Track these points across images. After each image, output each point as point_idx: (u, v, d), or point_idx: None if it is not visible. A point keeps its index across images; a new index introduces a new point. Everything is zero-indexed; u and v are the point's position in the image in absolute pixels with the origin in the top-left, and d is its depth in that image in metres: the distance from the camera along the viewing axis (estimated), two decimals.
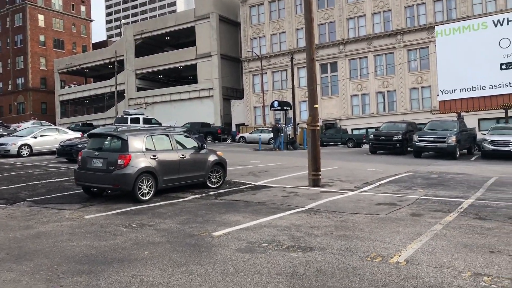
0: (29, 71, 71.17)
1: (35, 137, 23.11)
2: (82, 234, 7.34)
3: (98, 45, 78.86)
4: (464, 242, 6.61)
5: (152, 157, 10.51)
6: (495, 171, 17.00)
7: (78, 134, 24.52)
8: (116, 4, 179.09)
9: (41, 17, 72.61)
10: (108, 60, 62.79)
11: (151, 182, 10.36)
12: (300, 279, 5.09)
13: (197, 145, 12.11)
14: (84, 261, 5.83)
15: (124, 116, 32.01)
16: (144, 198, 10.17)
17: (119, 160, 9.94)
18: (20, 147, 22.31)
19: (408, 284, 4.89)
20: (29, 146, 22.63)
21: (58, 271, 5.44)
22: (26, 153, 22.38)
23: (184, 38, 60.16)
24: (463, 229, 7.43)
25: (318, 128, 13.20)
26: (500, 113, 31.00)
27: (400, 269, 5.38)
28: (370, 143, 27.46)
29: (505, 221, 8.05)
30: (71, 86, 71.24)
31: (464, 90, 27.98)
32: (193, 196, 10.97)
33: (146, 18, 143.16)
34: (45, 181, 13.58)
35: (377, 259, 5.78)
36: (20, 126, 35.18)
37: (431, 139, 23.37)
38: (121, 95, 59.46)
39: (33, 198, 10.77)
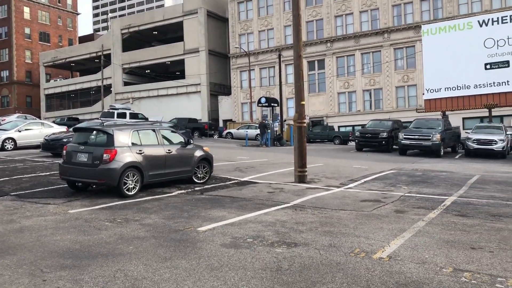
0: (14, 64, 70.05)
1: (20, 131, 22.84)
2: (67, 228, 7.29)
3: (84, 39, 77.84)
4: (446, 239, 6.71)
5: (138, 152, 10.46)
6: (478, 169, 17.27)
7: (63, 128, 24.27)
8: None
9: (26, 10, 71.44)
10: (94, 54, 62.11)
11: (136, 177, 10.32)
12: (284, 274, 5.12)
13: (183, 141, 12.08)
14: (68, 256, 5.79)
15: (111, 110, 31.76)
16: (130, 193, 10.13)
17: (104, 155, 9.88)
18: (4, 141, 22.02)
19: (390, 279, 4.95)
20: (13, 140, 22.35)
21: (41, 266, 5.40)
22: (10, 147, 22.11)
23: (172, 33, 59.78)
24: (445, 226, 7.54)
25: (305, 125, 13.28)
26: (484, 112, 31.46)
27: (383, 265, 5.45)
28: (356, 141, 27.69)
29: (487, 218, 8.20)
30: (56, 80, 70.31)
31: (449, 89, 28.33)
32: (179, 192, 10.95)
33: (133, 12, 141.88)
34: (30, 175, 13.42)
35: (360, 255, 5.85)
36: (4, 119, 34.63)
37: (416, 137, 23.64)
38: (107, 89, 58.90)
39: (17, 192, 10.65)
